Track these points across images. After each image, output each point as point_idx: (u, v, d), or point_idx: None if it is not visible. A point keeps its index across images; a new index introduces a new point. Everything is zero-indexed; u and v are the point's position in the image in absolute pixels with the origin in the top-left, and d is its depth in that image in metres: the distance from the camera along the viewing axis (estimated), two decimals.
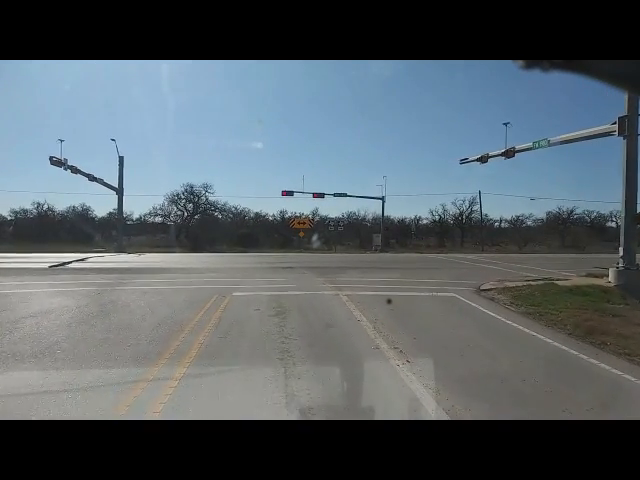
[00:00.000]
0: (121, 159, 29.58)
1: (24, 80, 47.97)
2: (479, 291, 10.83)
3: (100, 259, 21.68)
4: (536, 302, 9.01)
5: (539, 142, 14.69)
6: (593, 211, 48.24)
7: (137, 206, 76.75)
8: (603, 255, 31.72)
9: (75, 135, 59.12)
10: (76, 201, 49.25)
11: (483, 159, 18.10)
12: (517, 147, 16.07)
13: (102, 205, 79.46)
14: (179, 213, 41.81)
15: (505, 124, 17.56)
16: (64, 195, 64.62)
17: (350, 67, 51.48)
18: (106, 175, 31.41)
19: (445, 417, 3.34)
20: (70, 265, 17.54)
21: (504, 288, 10.90)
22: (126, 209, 42.74)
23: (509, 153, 16.18)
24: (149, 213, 42.06)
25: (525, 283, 11.49)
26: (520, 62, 0.81)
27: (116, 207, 31.60)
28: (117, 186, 30.31)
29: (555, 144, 13.98)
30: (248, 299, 8.99)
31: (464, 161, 20.83)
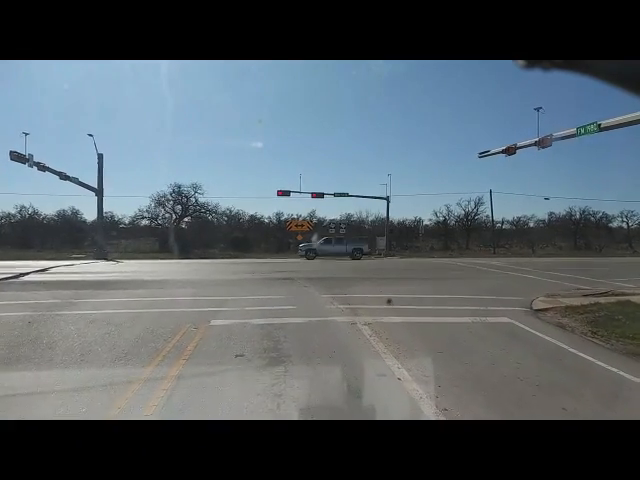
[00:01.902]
0: (100, 156, 26.76)
1: (16, 80, 45.20)
2: (534, 312, 8.33)
3: (68, 268, 18.93)
4: (629, 332, 6.51)
5: (585, 127, 12.21)
6: (598, 211, 45.83)
7: (134, 209, 73.52)
8: (631, 259, 29.62)
9: (71, 137, 56.30)
10: (66, 204, 45.63)
11: (510, 150, 15.58)
12: (555, 134, 13.57)
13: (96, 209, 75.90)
14: (167, 215, 39.04)
15: (537, 109, 15.11)
16: (58, 199, 60.96)
17: (351, 67, 49.17)
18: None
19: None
20: (26, 277, 14.83)
21: (566, 308, 8.40)
22: (118, 212, 40.33)
23: (545, 142, 13.67)
24: (135, 216, 39.25)
25: (590, 300, 8.98)
26: (520, 62, 0.81)
27: (108, 210, 29.06)
28: (96, 186, 27.57)
29: (608, 128, 11.51)
30: (230, 332, 6.42)
31: (483, 154, 18.37)
